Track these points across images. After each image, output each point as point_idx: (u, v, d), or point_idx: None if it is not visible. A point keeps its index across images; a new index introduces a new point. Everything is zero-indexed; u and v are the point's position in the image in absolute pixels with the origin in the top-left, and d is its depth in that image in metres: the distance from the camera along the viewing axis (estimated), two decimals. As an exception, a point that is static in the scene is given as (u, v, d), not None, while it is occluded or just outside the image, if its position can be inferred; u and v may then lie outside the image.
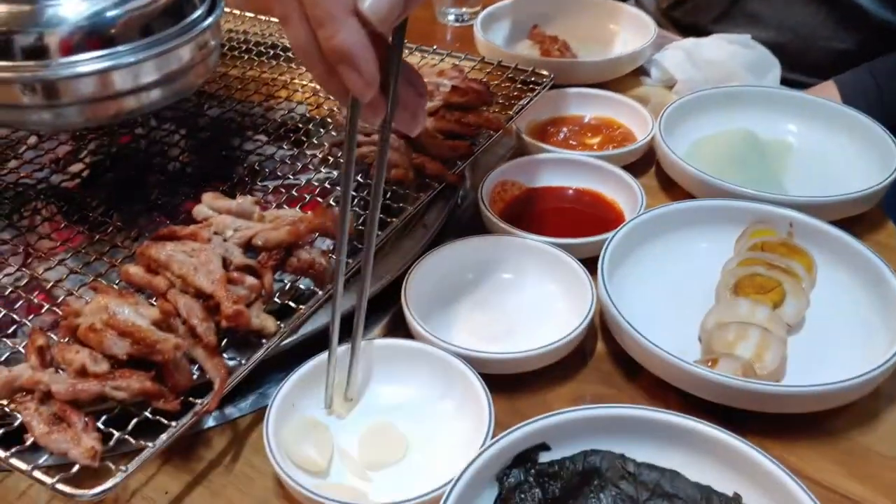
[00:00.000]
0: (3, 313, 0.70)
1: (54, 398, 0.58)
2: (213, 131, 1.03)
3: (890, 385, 0.65)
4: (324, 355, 0.64)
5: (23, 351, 0.64)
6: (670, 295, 0.75)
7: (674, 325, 0.71)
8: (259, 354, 0.64)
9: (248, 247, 0.72)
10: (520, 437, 0.56)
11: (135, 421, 0.59)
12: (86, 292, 0.72)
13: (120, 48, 0.77)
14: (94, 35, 0.76)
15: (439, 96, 0.91)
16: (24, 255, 0.81)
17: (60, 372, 0.60)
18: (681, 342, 0.69)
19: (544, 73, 1.00)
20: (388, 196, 0.80)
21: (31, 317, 0.70)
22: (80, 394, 0.58)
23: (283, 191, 0.85)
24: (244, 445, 0.64)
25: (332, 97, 0.76)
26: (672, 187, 0.90)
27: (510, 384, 0.67)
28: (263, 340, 0.65)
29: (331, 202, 0.81)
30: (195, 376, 0.62)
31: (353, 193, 0.83)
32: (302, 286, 0.72)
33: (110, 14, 0.77)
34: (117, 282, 0.72)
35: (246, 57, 1.13)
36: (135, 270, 0.69)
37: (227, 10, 1.21)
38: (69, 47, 0.75)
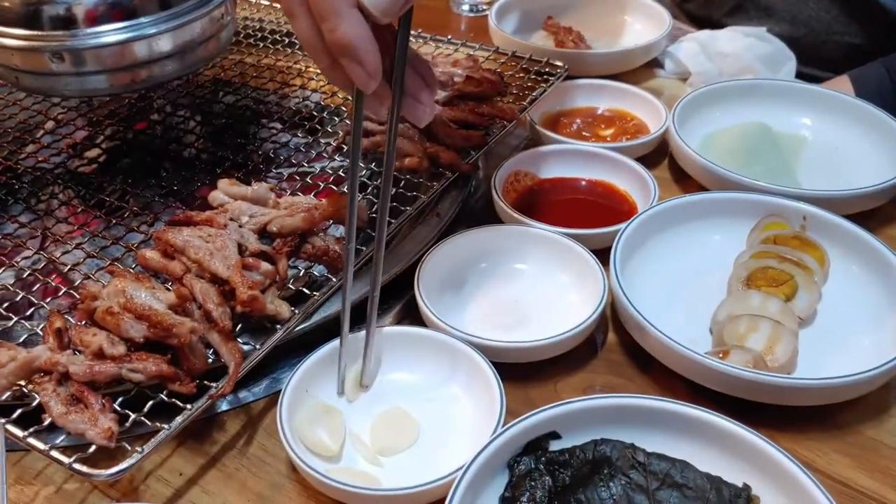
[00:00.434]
0: (21, 296, 0.71)
1: (72, 379, 0.59)
2: (228, 118, 1.03)
3: (901, 379, 0.66)
4: (337, 341, 0.65)
5: (41, 333, 0.65)
6: (682, 286, 0.75)
7: (685, 317, 0.72)
8: (273, 339, 0.65)
9: (263, 233, 0.72)
10: (531, 426, 0.56)
11: (150, 403, 0.60)
12: (103, 276, 0.72)
13: (141, 20, 0.80)
14: (118, 7, 0.79)
15: (453, 86, 0.91)
16: (42, 239, 0.81)
17: (78, 354, 0.61)
18: (692, 333, 0.70)
19: (558, 64, 1.00)
20: (401, 185, 0.81)
21: (48, 299, 0.71)
22: (97, 375, 0.59)
23: (298, 178, 0.86)
24: (258, 429, 0.65)
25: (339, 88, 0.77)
26: (685, 179, 0.90)
27: (521, 373, 0.67)
28: (278, 326, 0.66)
29: (345, 190, 0.81)
30: (210, 360, 0.63)
31: (367, 182, 0.84)
32: (316, 273, 0.73)
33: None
34: (133, 266, 0.73)
35: (261, 45, 1.13)
36: (151, 255, 0.70)
37: (242, -3, 1.22)
38: (95, 18, 0.78)
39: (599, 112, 0.99)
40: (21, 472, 0.62)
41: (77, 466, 0.55)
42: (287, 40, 1.13)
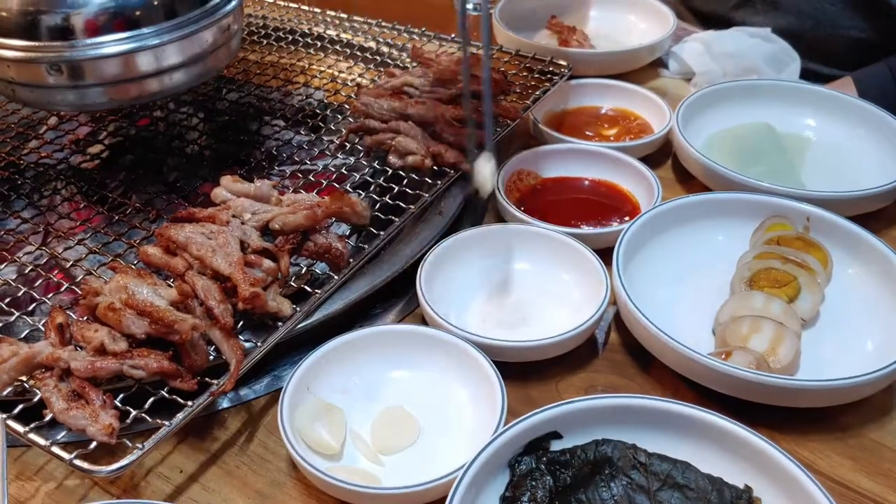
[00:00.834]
0: (23, 291, 0.71)
1: (73, 375, 0.59)
2: (231, 115, 1.03)
3: (903, 382, 0.66)
4: (338, 339, 0.65)
5: (42, 329, 0.65)
6: (685, 287, 0.75)
7: (688, 317, 0.72)
8: (275, 337, 0.65)
9: (266, 230, 0.72)
10: (532, 425, 0.56)
11: (152, 399, 0.60)
12: (105, 272, 0.72)
13: (144, 30, 0.78)
14: (119, 17, 0.77)
15: (456, 83, 0.91)
16: (44, 235, 0.81)
17: (79, 349, 0.61)
18: (694, 334, 0.69)
19: (562, 63, 1.00)
20: (404, 182, 0.81)
21: (50, 295, 0.71)
22: (98, 371, 0.59)
23: (301, 176, 0.86)
24: (258, 427, 0.65)
25: None
26: (688, 179, 0.90)
27: (523, 372, 0.67)
28: (279, 323, 0.66)
29: (347, 187, 0.81)
30: (211, 357, 0.63)
31: (370, 180, 0.83)
32: (318, 270, 0.73)
33: (135, -3, 0.78)
34: (136, 262, 0.73)
35: (265, 42, 1.13)
36: (153, 251, 0.70)
37: (246, -6, 1.22)
38: (94, 29, 0.76)
39: (603, 111, 0.99)
40: (22, 468, 0.62)
41: (78, 463, 0.55)
42: (290, 38, 1.13)
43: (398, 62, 1.06)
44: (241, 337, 0.64)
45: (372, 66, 1.07)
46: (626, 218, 0.82)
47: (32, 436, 0.57)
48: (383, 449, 0.62)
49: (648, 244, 0.76)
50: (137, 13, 0.78)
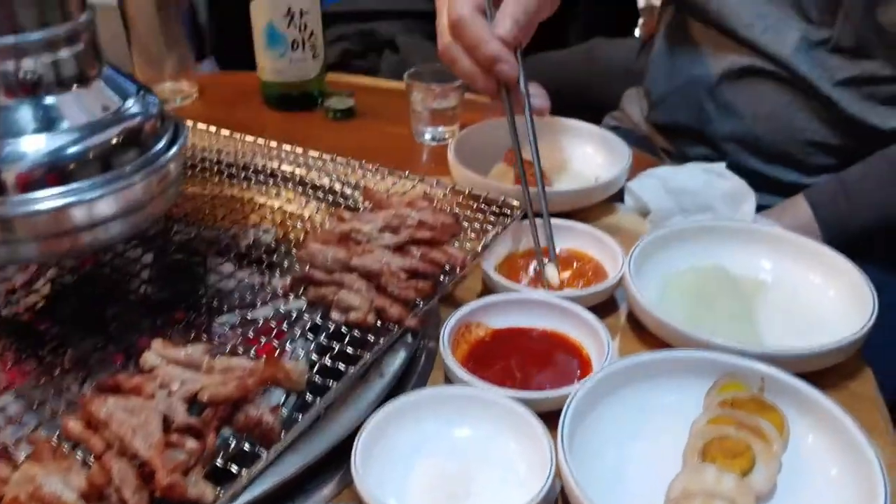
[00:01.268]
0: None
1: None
2: (180, 255, 1.01)
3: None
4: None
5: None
6: (636, 454, 0.72)
7: (639, 490, 0.68)
8: (193, 528, 0.60)
9: (194, 401, 0.69)
10: None
11: None
12: (24, 447, 0.68)
13: (78, 184, 0.76)
14: (53, 171, 0.75)
15: (406, 230, 0.89)
16: (-34, 399, 0.77)
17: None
18: (645, 509, 0.66)
19: (514, 204, 0.99)
20: (346, 341, 0.78)
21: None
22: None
23: (241, 329, 0.83)
24: None
25: (484, 94, 1.01)
26: (645, 327, 0.87)
27: (463, 558, 0.63)
28: (200, 510, 0.62)
29: (287, 345, 0.79)
30: (123, 553, 0.59)
31: (309, 337, 0.80)
32: (247, 446, 0.69)
33: (70, 150, 0.76)
34: (58, 433, 0.69)
35: (217, 179, 1.12)
36: (73, 425, 0.66)
37: (202, 127, 1.22)
38: (27, 184, 0.74)
39: (557, 253, 0.97)
40: None
41: None
42: (244, 174, 1.12)
43: (350, 201, 1.04)
44: (158, 527, 0.60)
45: (324, 204, 1.06)
46: (578, 373, 0.80)
47: None
48: None
49: (597, 407, 0.73)
50: (72, 167, 0.76)
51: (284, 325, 0.82)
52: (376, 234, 0.89)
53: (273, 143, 1.16)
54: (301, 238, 0.98)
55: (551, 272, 0.92)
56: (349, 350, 0.77)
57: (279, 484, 0.66)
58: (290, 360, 0.74)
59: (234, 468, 0.65)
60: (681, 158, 1.38)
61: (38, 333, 0.87)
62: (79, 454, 0.65)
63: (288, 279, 0.87)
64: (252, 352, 0.77)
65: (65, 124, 0.76)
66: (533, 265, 0.95)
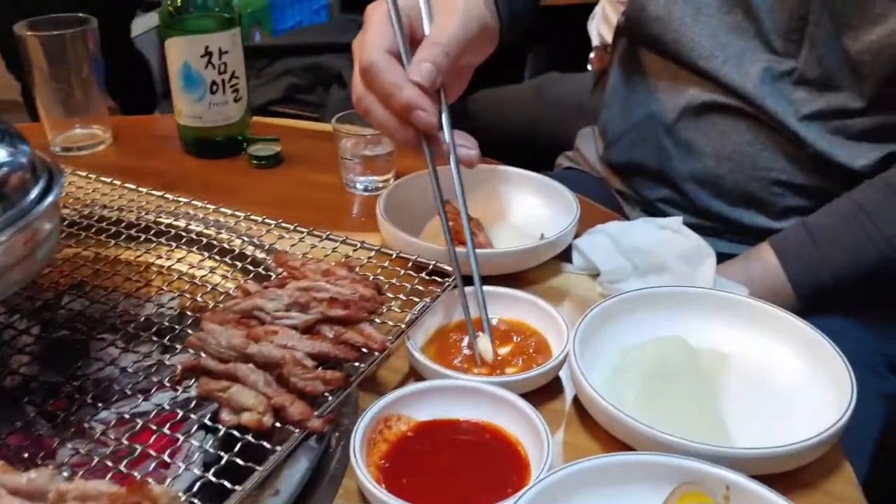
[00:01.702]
0: None
1: None
2: (70, 330, 0.88)
3: None
4: None
5: None
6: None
7: None
8: None
9: (38, 539, 0.56)
10: None
11: None
12: None
13: None
14: None
15: (317, 307, 0.77)
16: None
17: None
18: None
19: (448, 269, 0.87)
20: (235, 450, 0.65)
21: None
22: None
23: (121, 429, 0.70)
24: None
25: (404, 146, 0.89)
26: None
27: None
28: None
29: (166, 457, 0.66)
30: None
31: (196, 442, 0.68)
32: None
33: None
34: None
35: (114, 241, 0.99)
36: None
37: (105, 179, 1.10)
38: None
39: (494, 325, 0.85)
40: None
41: None
42: (143, 236, 0.99)
43: (262, 267, 0.92)
44: None
45: (233, 269, 0.93)
46: (514, 477, 0.68)
47: None
48: None
49: (534, 528, 0.61)
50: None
51: (167, 427, 0.69)
52: (282, 312, 0.77)
53: (182, 199, 1.04)
54: (211, 306, 0.86)
55: (484, 345, 0.80)
56: (239, 461, 0.64)
57: None
58: (162, 482, 0.62)
59: None
60: (638, 201, 1.28)
61: None
62: None
63: (178, 369, 0.75)
64: (123, 466, 0.65)
65: None
66: (467, 340, 0.83)
